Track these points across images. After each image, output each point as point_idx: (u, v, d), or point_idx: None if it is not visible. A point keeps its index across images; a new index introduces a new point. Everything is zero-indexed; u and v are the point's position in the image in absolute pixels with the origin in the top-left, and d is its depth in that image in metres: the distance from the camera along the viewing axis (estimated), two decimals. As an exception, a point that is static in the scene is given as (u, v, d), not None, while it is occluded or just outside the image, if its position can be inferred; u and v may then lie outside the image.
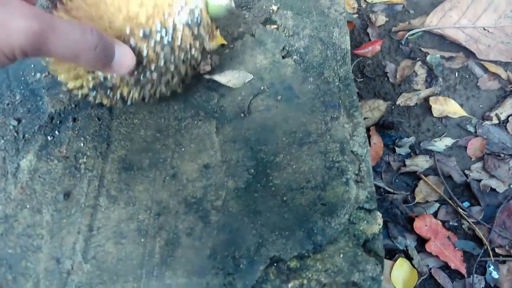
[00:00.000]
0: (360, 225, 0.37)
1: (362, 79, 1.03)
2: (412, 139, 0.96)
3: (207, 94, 0.42)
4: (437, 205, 0.91)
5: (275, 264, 0.35)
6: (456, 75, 1.03)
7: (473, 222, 0.87)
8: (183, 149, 0.39)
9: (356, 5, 1.12)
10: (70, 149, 0.39)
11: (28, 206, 0.36)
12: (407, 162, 0.95)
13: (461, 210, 0.90)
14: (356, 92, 0.43)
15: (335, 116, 0.41)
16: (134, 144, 0.39)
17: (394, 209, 0.90)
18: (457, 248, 0.84)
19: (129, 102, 0.37)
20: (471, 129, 0.98)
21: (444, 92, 1.01)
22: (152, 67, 0.34)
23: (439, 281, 0.82)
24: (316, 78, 0.43)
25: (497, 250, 0.83)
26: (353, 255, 0.35)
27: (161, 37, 0.33)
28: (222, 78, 0.42)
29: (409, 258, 0.84)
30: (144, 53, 0.33)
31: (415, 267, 0.84)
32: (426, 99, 1.00)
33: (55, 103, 0.41)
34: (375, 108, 0.99)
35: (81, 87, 0.35)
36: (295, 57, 0.44)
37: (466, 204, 0.90)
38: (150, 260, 0.34)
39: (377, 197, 0.88)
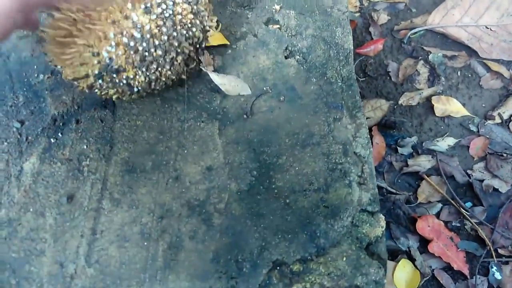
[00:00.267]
0: (363, 227, 0.36)
1: (364, 79, 1.03)
2: (414, 139, 0.95)
3: (209, 95, 0.42)
4: (440, 205, 0.90)
5: (278, 268, 0.35)
6: (459, 74, 1.02)
7: (475, 223, 0.87)
8: (186, 151, 0.39)
9: (358, 4, 1.12)
10: (73, 152, 0.38)
11: (31, 210, 0.36)
12: (410, 162, 0.94)
13: (463, 211, 0.89)
14: (359, 92, 0.43)
15: (338, 117, 0.41)
16: (137, 146, 0.39)
17: (396, 210, 0.90)
18: (459, 249, 0.84)
19: (135, 89, 0.37)
20: (474, 128, 0.97)
21: (447, 91, 1.01)
22: (156, 42, 0.34)
23: (442, 282, 0.82)
24: (319, 78, 0.43)
25: (500, 250, 0.83)
26: (356, 258, 0.35)
27: (162, 11, 0.34)
28: (219, 78, 0.42)
29: (412, 259, 0.84)
30: (147, 27, 0.33)
31: (417, 268, 0.83)
32: (429, 99, 0.99)
33: (58, 104, 0.41)
34: (377, 108, 0.99)
35: (87, 75, 0.35)
36: (298, 57, 0.44)
37: (468, 204, 0.89)
38: (153, 263, 0.34)
39: (380, 198, 0.88)
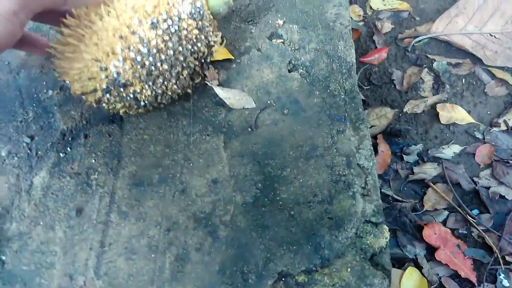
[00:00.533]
0: (367, 239, 0.37)
1: (368, 87, 1.03)
2: (420, 147, 0.96)
3: (214, 109, 0.43)
4: (446, 213, 0.90)
5: (283, 279, 0.35)
6: (463, 81, 1.03)
7: (482, 230, 0.86)
8: (191, 164, 0.40)
9: (361, 13, 1.13)
10: (82, 166, 0.39)
11: (41, 223, 0.36)
12: (415, 169, 0.94)
13: (470, 218, 0.89)
14: (361, 104, 0.43)
15: (341, 129, 0.42)
16: (144, 160, 0.40)
17: (402, 218, 0.90)
18: (467, 257, 0.84)
19: (142, 103, 0.38)
20: (479, 136, 0.97)
21: (451, 99, 1.01)
22: (162, 57, 0.35)
23: (449, 290, 0.81)
24: (322, 91, 0.44)
25: (507, 258, 0.82)
26: (361, 269, 0.36)
27: (168, 26, 0.35)
28: (223, 93, 0.43)
29: (419, 267, 0.84)
30: (154, 42, 0.34)
31: (424, 276, 0.83)
32: (433, 106, 0.99)
33: (66, 120, 0.42)
34: (382, 116, 0.99)
35: (95, 90, 0.36)
36: (301, 70, 0.45)
37: (475, 211, 0.89)
38: (161, 275, 0.35)
39: (386, 206, 0.88)
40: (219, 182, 0.39)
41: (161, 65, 0.36)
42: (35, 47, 0.37)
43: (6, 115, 0.42)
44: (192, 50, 0.38)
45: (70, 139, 0.41)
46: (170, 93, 0.39)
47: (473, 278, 0.79)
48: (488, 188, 0.90)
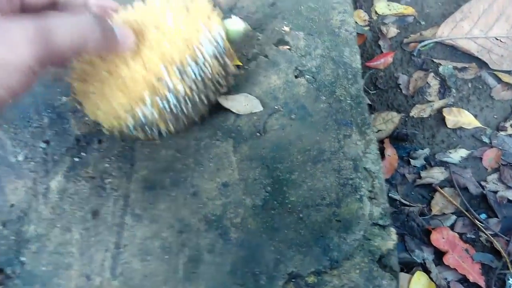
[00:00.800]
0: (375, 241, 0.38)
1: (374, 91, 1.04)
2: (426, 151, 0.96)
3: (224, 115, 0.44)
4: (454, 217, 0.90)
5: (293, 280, 0.36)
6: (469, 85, 1.03)
7: (490, 234, 0.86)
8: (202, 168, 0.41)
9: (367, 18, 1.14)
10: (96, 170, 0.41)
11: (58, 225, 0.38)
12: (423, 174, 0.95)
13: (478, 222, 0.89)
14: (367, 109, 0.44)
15: (347, 133, 0.43)
16: (156, 164, 0.41)
17: (410, 222, 0.90)
18: (475, 261, 0.84)
19: (164, 135, 0.39)
20: (486, 140, 0.97)
21: (458, 103, 1.01)
22: (188, 102, 0.37)
23: (457, 294, 0.81)
24: (328, 96, 0.45)
25: (516, 262, 0.82)
26: (369, 271, 0.36)
27: (193, 72, 0.36)
28: (228, 102, 0.44)
29: (427, 271, 0.84)
30: (181, 90, 0.35)
31: (433, 281, 0.83)
32: (440, 110, 1.00)
33: (81, 125, 0.43)
34: (389, 120, 1.00)
35: (119, 126, 0.37)
36: (308, 76, 0.46)
37: (483, 216, 0.89)
38: (174, 276, 0.36)
39: (393, 210, 0.88)
40: (229, 185, 0.40)
41: (186, 107, 0.37)
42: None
43: (22, 121, 0.44)
44: (214, 87, 0.39)
45: (84, 144, 0.42)
46: (188, 122, 0.41)
47: (481, 283, 0.79)
48: (495, 192, 0.90)
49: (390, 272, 0.36)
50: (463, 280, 0.83)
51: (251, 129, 0.43)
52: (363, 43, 1.07)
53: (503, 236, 0.83)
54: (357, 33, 0.50)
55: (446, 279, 0.84)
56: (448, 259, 0.84)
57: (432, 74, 1.03)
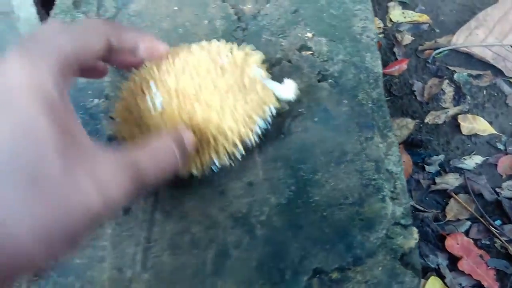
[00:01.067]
0: (397, 239, 0.39)
1: (389, 98, 1.05)
2: (441, 157, 0.96)
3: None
4: (469, 223, 0.91)
5: (317, 276, 0.37)
6: (484, 92, 1.04)
7: (505, 241, 0.86)
8: (228, 168, 0.42)
9: (382, 25, 1.15)
10: (127, 168, 0.42)
11: (91, 220, 0.39)
12: (437, 180, 0.95)
13: (493, 229, 0.89)
14: (388, 113, 0.46)
15: (369, 136, 0.44)
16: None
17: (425, 228, 0.90)
18: (489, 267, 0.84)
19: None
20: (501, 146, 0.98)
21: (473, 110, 1.02)
22: None
23: (472, 299, 0.81)
24: (351, 100, 0.46)
25: (531, 268, 0.82)
26: (391, 268, 0.37)
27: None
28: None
29: (441, 277, 0.84)
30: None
31: (447, 286, 0.83)
32: (455, 117, 1.01)
33: (112, 126, 0.45)
34: (404, 126, 1.01)
35: None
36: (330, 80, 0.47)
37: (498, 222, 0.89)
38: (203, 270, 0.37)
39: (408, 214, 0.88)
40: (255, 184, 0.41)
41: None
42: (93, 74, 0.38)
43: (57, 122, 0.46)
44: None
45: (116, 143, 0.44)
46: None
47: (496, 289, 0.79)
48: (510, 198, 0.90)
49: (412, 270, 0.37)
50: (478, 285, 0.83)
51: (275, 131, 0.44)
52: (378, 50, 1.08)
53: (519, 242, 0.83)
54: (376, 39, 0.52)
55: (460, 284, 0.84)
56: (462, 265, 0.84)
57: (447, 81, 1.04)
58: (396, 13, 1.14)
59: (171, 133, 0.31)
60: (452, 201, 0.92)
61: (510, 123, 0.99)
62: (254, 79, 0.38)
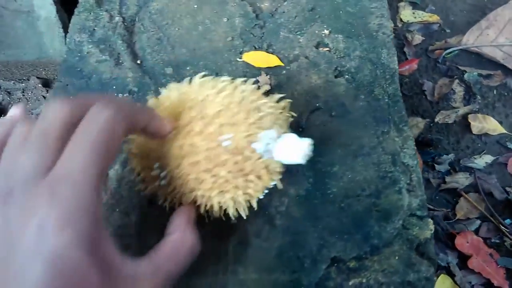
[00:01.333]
0: (413, 230, 0.40)
1: (400, 97, 1.06)
2: (451, 156, 0.97)
3: (267, 111, 0.47)
4: (478, 222, 0.91)
5: (336, 264, 0.38)
6: (495, 92, 1.04)
7: (516, 239, 0.87)
8: (248, 160, 0.43)
9: (392, 25, 1.16)
10: (150, 160, 0.44)
11: (117, 210, 0.41)
12: (447, 179, 0.96)
13: (503, 227, 0.90)
14: (404, 108, 0.47)
15: (385, 130, 0.45)
16: (205, 156, 0.44)
17: (435, 226, 0.91)
18: (499, 266, 0.84)
19: None
20: (511, 146, 0.98)
21: (483, 110, 1.02)
22: None
23: (482, 297, 0.82)
24: (367, 95, 0.47)
25: (542, 266, 0.83)
26: (408, 258, 0.39)
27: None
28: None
29: (451, 275, 0.85)
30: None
31: (457, 284, 0.84)
32: (465, 117, 1.01)
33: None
34: (414, 126, 1.02)
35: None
36: (347, 76, 0.49)
37: (508, 221, 0.90)
38: (225, 257, 0.38)
39: (418, 212, 0.89)
40: (274, 176, 0.43)
41: None
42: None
43: (81, 115, 0.47)
44: None
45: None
46: None
47: (506, 287, 0.80)
48: (521, 197, 0.91)
49: (428, 260, 0.38)
50: (488, 284, 0.83)
51: (294, 125, 0.46)
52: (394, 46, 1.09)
53: (529, 241, 0.83)
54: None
55: (470, 283, 0.85)
56: (472, 263, 0.84)
57: (457, 81, 1.05)
58: (407, 13, 1.15)
59: (185, 224, 0.34)
60: (462, 200, 0.93)
61: (521, 123, 0.99)
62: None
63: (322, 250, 0.39)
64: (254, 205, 0.37)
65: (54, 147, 0.26)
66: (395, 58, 0.49)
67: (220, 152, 0.34)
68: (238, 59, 0.51)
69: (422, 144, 1.00)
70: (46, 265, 0.23)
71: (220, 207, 0.36)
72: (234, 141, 0.34)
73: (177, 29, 0.54)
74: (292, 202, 0.41)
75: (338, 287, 0.37)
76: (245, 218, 0.37)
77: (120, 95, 0.49)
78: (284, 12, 0.54)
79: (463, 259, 0.86)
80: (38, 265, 0.23)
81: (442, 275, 0.84)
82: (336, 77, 0.49)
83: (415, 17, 1.15)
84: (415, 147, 0.44)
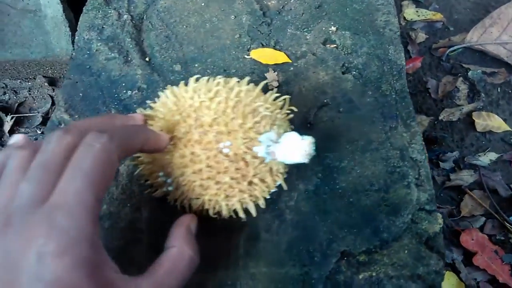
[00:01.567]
0: (422, 224, 0.40)
1: (404, 95, 1.06)
2: (456, 154, 0.97)
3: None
4: (483, 219, 0.91)
5: (345, 258, 0.39)
6: (499, 90, 1.04)
7: (521, 235, 0.87)
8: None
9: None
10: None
11: (128, 205, 0.41)
12: (452, 176, 0.96)
13: (507, 224, 0.90)
14: (411, 104, 0.47)
15: (393, 126, 0.45)
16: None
17: (440, 222, 0.91)
18: (504, 262, 0.84)
19: None
20: (516, 143, 0.98)
21: (487, 107, 1.03)
22: None
23: (487, 294, 0.82)
24: (375, 91, 0.48)
25: (547, 263, 0.83)
26: (417, 251, 0.39)
27: None
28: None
29: (456, 272, 0.85)
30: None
31: (462, 281, 0.84)
32: (469, 114, 1.01)
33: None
34: (418, 123, 1.01)
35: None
36: (354, 72, 0.49)
37: (512, 218, 0.90)
38: (236, 251, 0.39)
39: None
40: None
41: None
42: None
43: (91, 112, 0.48)
44: None
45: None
46: None
47: (511, 284, 0.80)
48: (526, 194, 0.91)
49: (437, 254, 0.39)
50: (493, 280, 0.83)
51: (302, 120, 0.46)
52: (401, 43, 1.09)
53: (534, 237, 0.83)
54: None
55: (475, 279, 0.85)
56: (477, 260, 0.85)
57: (461, 78, 1.05)
58: (410, 12, 1.15)
59: (183, 237, 0.34)
60: (466, 197, 0.93)
61: (525, 120, 0.99)
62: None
63: (331, 244, 0.39)
64: (262, 205, 0.37)
65: (52, 178, 0.27)
66: (402, 54, 0.49)
67: (221, 160, 0.34)
68: (246, 56, 0.51)
69: (427, 141, 1.00)
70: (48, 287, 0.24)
71: (229, 209, 0.37)
72: (233, 148, 0.34)
73: (184, 26, 0.54)
74: (301, 197, 0.42)
75: (348, 281, 0.38)
76: (254, 216, 0.37)
77: (129, 92, 0.49)
78: (291, 9, 0.55)
79: (468, 256, 0.86)
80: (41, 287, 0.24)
81: (447, 272, 0.84)
82: (343, 73, 0.49)
83: (418, 16, 1.15)
84: (423, 142, 0.44)
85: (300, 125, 0.46)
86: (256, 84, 0.39)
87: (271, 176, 0.36)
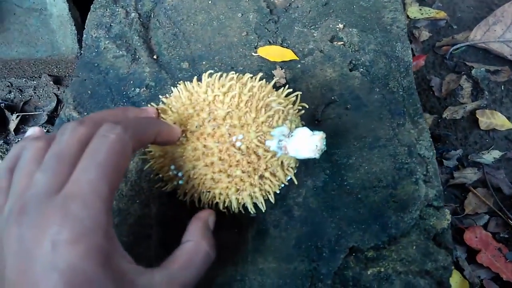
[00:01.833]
0: (430, 220, 0.40)
1: (407, 94, 1.06)
2: (459, 152, 0.97)
3: (282, 105, 0.47)
4: (487, 217, 0.91)
5: (354, 254, 0.39)
6: (502, 88, 1.04)
7: (525, 233, 0.87)
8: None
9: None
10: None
11: (137, 201, 0.42)
12: (455, 174, 0.96)
13: (511, 222, 0.90)
14: (419, 100, 0.47)
15: (401, 122, 0.46)
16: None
17: (444, 220, 0.91)
18: (508, 260, 0.85)
19: None
20: (520, 141, 0.98)
21: (491, 105, 1.03)
22: None
23: (491, 292, 0.82)
24: (382, 88, 0.48)
25: (551, 261, 0.83)
26: (425, 247, 0.39)
27: None
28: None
29: (460, 269, 0.85)
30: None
31: (466, 278, 0.84)
32: (473, 112, 1.01)
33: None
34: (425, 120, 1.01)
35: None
36: (362, 69, 0.49)
37: (516, 216, 0.90)
38: (245, 247, 0.39)
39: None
40: (291, 168, 0.43)
41: None
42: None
43: (100, 110, 0.48)
44: None
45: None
46: None
47: (515, 281, 0.80)
48: (530, 192, 0.91)
49: (445, 249, 0.39)
50: (497, 278, 0.84)
51: (310, 117, 0.46)
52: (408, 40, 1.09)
53: (538, 235, 0.84)
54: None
55: (479, 277, 0.85)
56: (481, 258, 0.85)
57: (464, 76, 1.05)
58: (414, 10, 1.15)
59: (201, 231, 0.34)
60: (470, 195, 0.93)
61: (529, 118, 0.99)
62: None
63: (340, 240, 0.39)
64: (272, 200, 0.38)
65: (67, 168, 0.28)
66: (409, 51, 0.49)
67: (233, 153, 0.34)
68: (253, 53, 0.51)
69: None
70: (61, 276, 0.24)
71: (239, 203, 0.37)
72: (246, 142, 0.34)
73: (192, 24, 0.54)
74: (310, 193, 0.42)
75: (356, 276, 0.38)
76: (263, 211, 0.38)
77: (137, 89, 0.49)
78: (298, 6, 0.55)
79: (471, 253, 0.86)
80: (55, 276, 0.24)
81: (451, 269, 0.84)
82: (351, 70, 0.49)
83: (422, 14, 1.15)
84: (431, 139, 0.44)
85: (308, 122, 0.46)
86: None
87: (282, 170, 0.36)
